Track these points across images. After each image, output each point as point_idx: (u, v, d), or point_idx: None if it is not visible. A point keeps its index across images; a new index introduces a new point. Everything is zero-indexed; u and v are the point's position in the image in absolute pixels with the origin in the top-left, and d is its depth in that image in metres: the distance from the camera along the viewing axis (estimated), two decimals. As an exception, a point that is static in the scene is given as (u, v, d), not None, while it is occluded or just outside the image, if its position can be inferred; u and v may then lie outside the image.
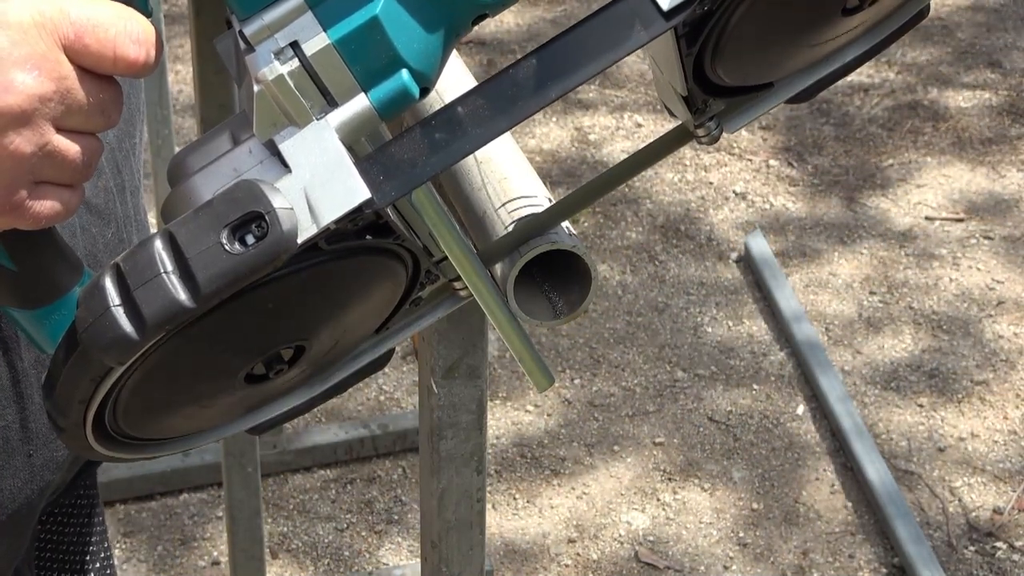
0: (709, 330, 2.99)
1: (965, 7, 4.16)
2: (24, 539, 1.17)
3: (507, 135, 0.92)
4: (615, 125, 3.64)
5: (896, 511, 2.51)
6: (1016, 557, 2.51)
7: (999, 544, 2.54)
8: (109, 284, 0.69)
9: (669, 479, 2.66)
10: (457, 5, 0.71)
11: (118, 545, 2.53)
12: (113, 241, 1.12)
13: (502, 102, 0.71)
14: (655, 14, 0.70)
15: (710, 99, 0.85)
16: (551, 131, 3.61)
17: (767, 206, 3.36)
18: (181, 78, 3.71)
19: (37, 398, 1.09)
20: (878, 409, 2.80)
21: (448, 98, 0.95)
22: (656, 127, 3.63)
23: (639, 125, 3.64)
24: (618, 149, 3.55)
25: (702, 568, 2.50)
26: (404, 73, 0.71)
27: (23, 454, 1.10)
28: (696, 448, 2.72)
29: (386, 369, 2.85)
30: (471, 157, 0.73)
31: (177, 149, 2.72)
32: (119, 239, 1.13)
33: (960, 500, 2.61)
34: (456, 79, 1.07)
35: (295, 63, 0.70)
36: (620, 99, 3.75)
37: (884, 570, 2.48)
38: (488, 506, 2.59)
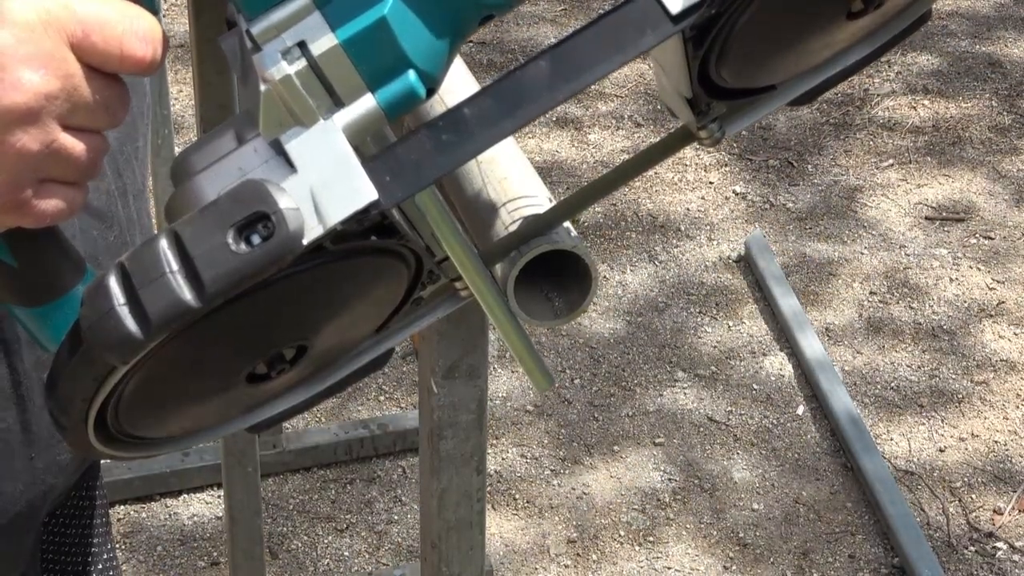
0: (709, 330, 2.99)
1: (965, 8, 4.17)
2: (27, 542, 1.17)
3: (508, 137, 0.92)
4: (615, 125, 3.64)
5: (896, 511, 2.51)
6: (1016, 557, 2.51)
7: (999, 544, 2.54)
8: (114, 283, 0.69)
9: (669, 479, 2.66)
10: (464, 6, 0.71)
11: (118, 545, 2.53)
12: (115, 244, 1.12)
13: (509, 104, 0.71)
14: (663, 17, 0.70)
15: (713, 101, 0.85)
16: (551, 131, 3.61)
17: (767, 206, 3.36)
18: (181, 78, 3.71)
19: (38, 401, 1.09)
20: (878, 409, 2.80)
21: (448, 98, 0.95)
22: (656, 128, 3.64)
23: (639, 125, 3.64)
24: (618, 149, 3.55)
25: (702, 568, 2.50)
26: (411, 74, 0.70)
27: (24, 457, 1.10)
28: (696, 448, 2.72)
29: (386, 369, 2.85)
30: (472, 159, 0.73)
31: (177, 149, 2.72)
32: (121, 242, 1.13)
33: (960, 500, 2.61)
34: (457, 79, 1.07)
35: (302, 63, 0.70)
36: (620, 100, 3.75)
37: (884, 570, 2.48)
38: (488, 506, 2.59)
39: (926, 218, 3.32)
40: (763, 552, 2.52)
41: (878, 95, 3.76)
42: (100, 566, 1.35)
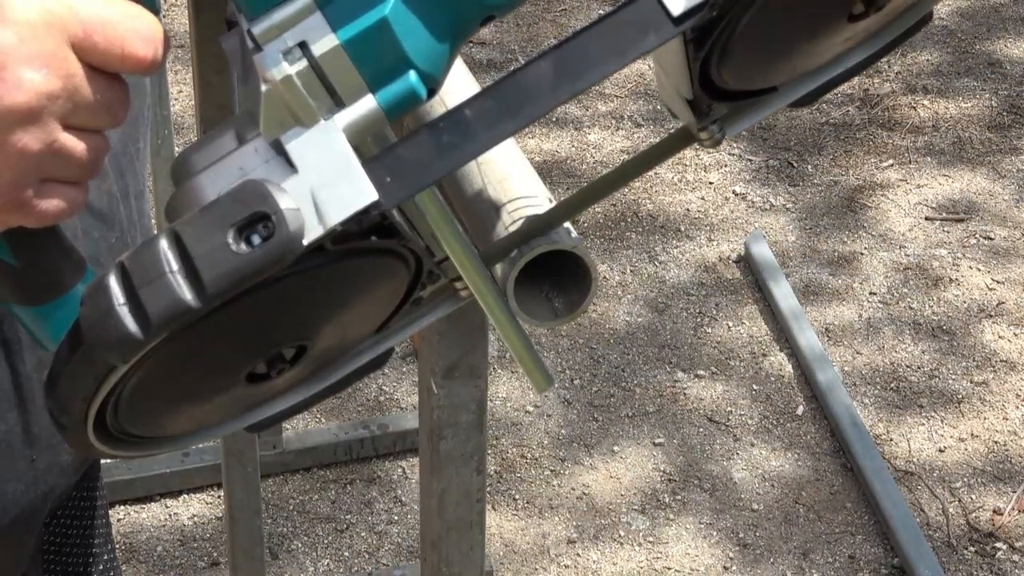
0: (709, 330, 2.99)
1: (965, 7, 4.17)
2: (29, 543, 1.17)
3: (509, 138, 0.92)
4: (615, 126, 3.64)
5: (896, 511, 2.51)
6: (1016, 558, 2.51)
7: (999, 544, 2.54)
8: (114, 283, 0.69)
9: (669, 479, 2.66)
10: (465, 7, 0.71)
11: (118, 545, 2.53)
12: (117, 246, 1.12)
13: (510, 105, 0.71)
14: (664, 19, 0.70)
15: (714, 102, 0.85)
16: (551, 131, 3.61)
17: (767, 206, 3.36)
18: (180, 78, 3.71)
19: (40, 402, 1.09)
20: (878, 409, 2.80)
21: (448, 99, 0.95)
22: (656, 128, 3.64)
23: (638, 126, 3.64)
24: (617, 149, 3.55)
25: (702, 568, 2.50)
26: (412, 74, 0.71)
27: (26, 458, 1.10)
28: (696, 448, 2.72)
29: (386, 369, 2.85)
30: (472, 160, 0.73)
31: (177, 150, 2.73)
32: (123, 244, 1.13)
33: (960, 500, 2.61)
34: (457, 80, 1.07)
35: (303, 63, 0.70)
36: (620, 100, 3.75)
37: (884, 570, 2.48)
38: (488, 506, 2.59)
39: (926, 218, 3.32)
40: (763, 552, 2.52)
41: (878, 95, 3.76)
42: (101, 567, 1.35)
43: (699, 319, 3.02)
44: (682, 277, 3.14)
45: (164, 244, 0.68)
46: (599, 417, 2.79)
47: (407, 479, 2.66)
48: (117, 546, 2.53)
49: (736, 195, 3.40)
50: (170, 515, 2.59)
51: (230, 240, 0.68)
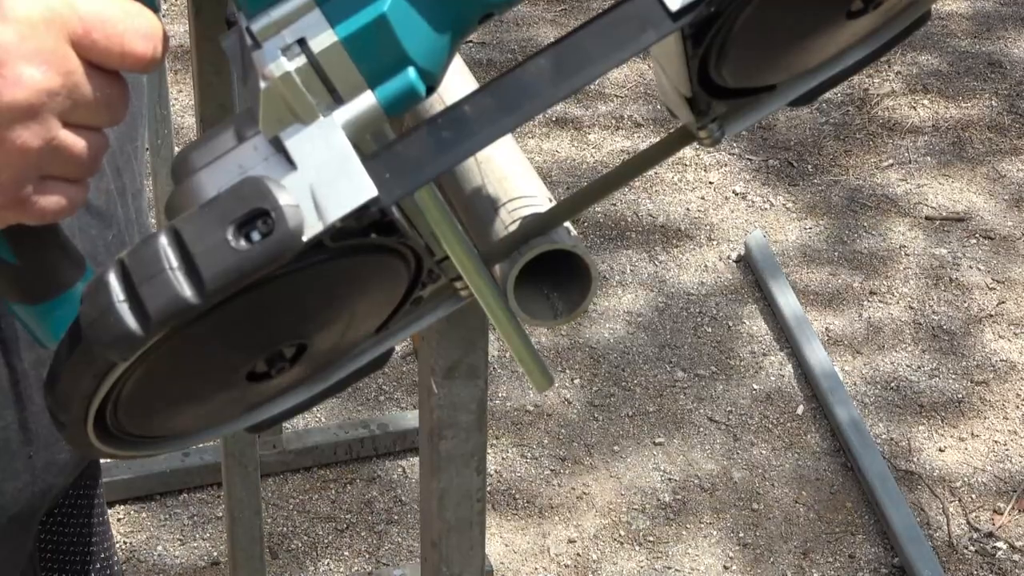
0: (709, 330, 2.99)
1: (965, 7, 4.17)
2: (27, 542, 1.17)
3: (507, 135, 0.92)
4: (615, 125, 3.64)
5: (896, 511, 2.51)
6: (1016, 557, 2.51)
7: (999, 544, 2.54)
8: (113, 280, 0.69)
9: (669, 478, 2.66)
10: (464, 4, 0.71)
11: (118, 545, 2.53)
12: (114, 243, 1.13)
13: (509, 101, 0.71)
14: (662, 15, 0.70)
15: (713, 101, 0.85)
16: (551, 131, 3.61)
17: (767, 206, 3.36)
18: (180, 78, 3.71)
19: (38, 399, 1.09)
20: (878, 409, 2.80)
21: (447, 97, 0.95)
22: (655, 128, 3.64)
23: (638, 125, 3.64)
24: (617, 149, 3.55)
25: (702, 568, 2.50)
26: (411, 71, 0.71)
27: (23, 456, 1.10)
28: (696, 448, 2.72)
29: (386, 369, 2.85)
30: (471, 156, 0.73)
31: (177, 149, 2.73)
32: (120, 241, 1.13)
33: (960, 500, 2.61)
34: (456, 78, 1.06)
35: (302, 60, 0.70)
36: (620, 99, 3.75)
37: (884, 570, 2.48)
38: (488, 506, 2.59)
39: (926, 218, 3.32)
40: (763, 552, 2.52)
41: (878, 95, 3.76)
42: (98, 565, 1.35)
43: (699, 319, 3.02)
44: (682, 277, 3.14)
45: (164, 241, 0.69)
46: (599, 416, 2.79)
47: (407, 479, 2.66)
48: (117, 546, 2.53)
49: (736, 195, 3.40)
50: (170, 514, 2.59)
51: (229, 237, 0.68)
